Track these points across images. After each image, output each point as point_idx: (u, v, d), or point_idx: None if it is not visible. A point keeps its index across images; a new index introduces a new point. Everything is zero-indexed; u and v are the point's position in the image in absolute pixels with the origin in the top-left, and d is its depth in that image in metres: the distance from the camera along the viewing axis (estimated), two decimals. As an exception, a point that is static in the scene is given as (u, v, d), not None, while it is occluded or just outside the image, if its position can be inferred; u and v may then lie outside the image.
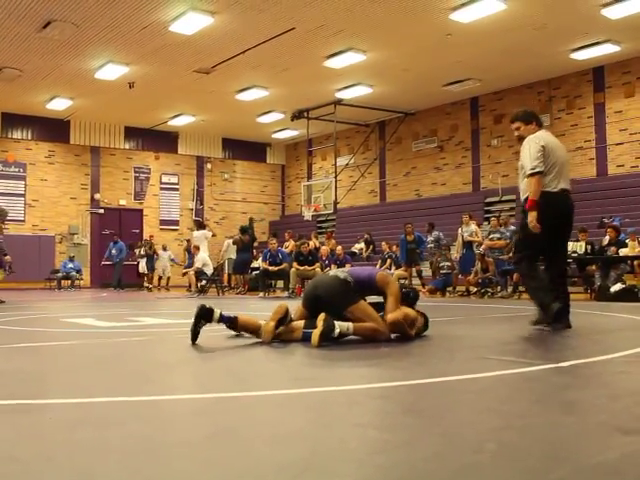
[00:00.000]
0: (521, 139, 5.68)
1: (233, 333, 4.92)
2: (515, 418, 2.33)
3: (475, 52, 16.02)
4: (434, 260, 14.92)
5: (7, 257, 12.03)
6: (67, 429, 2.20)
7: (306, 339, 4.45)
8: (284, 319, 4.60)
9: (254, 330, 4.69)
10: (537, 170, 5.36)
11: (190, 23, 13.86)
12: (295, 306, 4.88)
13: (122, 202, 23.97)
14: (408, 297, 4.98)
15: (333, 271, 5.02)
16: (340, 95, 19.38)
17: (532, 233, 5.36)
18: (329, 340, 4.38)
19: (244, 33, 14.61)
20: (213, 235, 19.31)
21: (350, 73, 17.59)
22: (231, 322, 4.70)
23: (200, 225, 18.72)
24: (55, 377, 3.47)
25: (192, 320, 4.54)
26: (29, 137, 22.15)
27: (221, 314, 4.62)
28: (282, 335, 4.60)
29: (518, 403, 2.61)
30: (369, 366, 3.71)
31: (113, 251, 20.62)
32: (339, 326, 4.44)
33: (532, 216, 5.32)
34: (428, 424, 2.26)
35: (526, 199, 5.43)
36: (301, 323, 4.64)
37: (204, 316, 4.55)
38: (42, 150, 22.47)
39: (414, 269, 15.22)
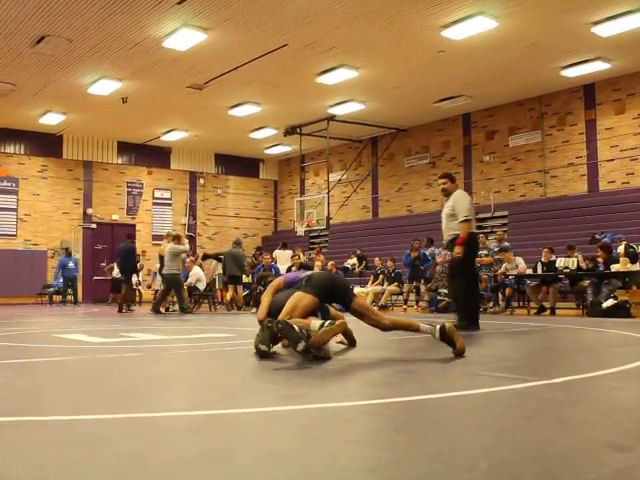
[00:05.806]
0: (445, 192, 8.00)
1: (228, 348, 4.93)
2: (508, 435, 2.33)
3: (466, 69, 16.12)
4: (436, 277, 14.56)
5: None
6: (58, 447, 2.19)
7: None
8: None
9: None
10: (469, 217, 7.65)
11: (183, 39, 13.91)
12: (302, 303, 4.78)
13: (115, 217, 23.89)
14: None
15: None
16: (333, 111, 19.44)
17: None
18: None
19: (237, 49, 14.67)
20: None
21: (342, 89, 17.66)
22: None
23: (285, 245, 18.29)
24: (46, 394, 3.45)
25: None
26: (22, 152, 22.11)
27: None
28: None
29: (511, 420, 2.60)
30: (360, 383, 3.70)
31: (71, 264, 20.01)
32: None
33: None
34: (420, 442, 2.25)
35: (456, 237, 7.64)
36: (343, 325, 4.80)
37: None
38: (34, 165, 22.41)
39: (413, 284, 15.07)
